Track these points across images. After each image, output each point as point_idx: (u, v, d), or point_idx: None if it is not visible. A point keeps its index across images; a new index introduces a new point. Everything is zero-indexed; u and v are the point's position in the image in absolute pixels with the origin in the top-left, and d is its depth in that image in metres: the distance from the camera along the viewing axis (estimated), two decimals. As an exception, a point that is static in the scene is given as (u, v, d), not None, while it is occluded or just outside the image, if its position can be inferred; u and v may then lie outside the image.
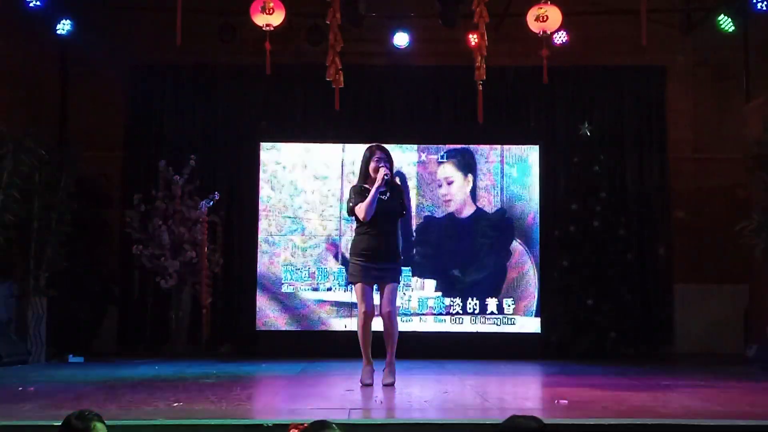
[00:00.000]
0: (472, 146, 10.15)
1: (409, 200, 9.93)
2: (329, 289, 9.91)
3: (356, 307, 6.70)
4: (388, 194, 6.55)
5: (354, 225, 6.74)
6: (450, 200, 10.10)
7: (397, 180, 8.22)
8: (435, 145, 10.19)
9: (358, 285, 6.52)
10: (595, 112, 10.61)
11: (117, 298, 10.33)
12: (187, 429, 4.61)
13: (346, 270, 7.90)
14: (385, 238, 6.52)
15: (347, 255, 9.77)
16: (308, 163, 10.11)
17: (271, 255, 9.98)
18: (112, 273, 10.28)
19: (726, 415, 5.09)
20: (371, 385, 6.50)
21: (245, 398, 5.98)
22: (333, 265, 9.93)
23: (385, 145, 6.77)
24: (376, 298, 6.59)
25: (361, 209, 6.43)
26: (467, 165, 10.13)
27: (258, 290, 9.91)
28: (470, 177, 10.12)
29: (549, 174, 10.34)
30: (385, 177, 6.42)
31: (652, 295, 10.42)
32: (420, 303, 9.93)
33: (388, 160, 6.58)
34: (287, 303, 9.92)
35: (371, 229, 6.51)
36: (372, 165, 6.53)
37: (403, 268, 7.16)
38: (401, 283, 7.07)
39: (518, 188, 10.10)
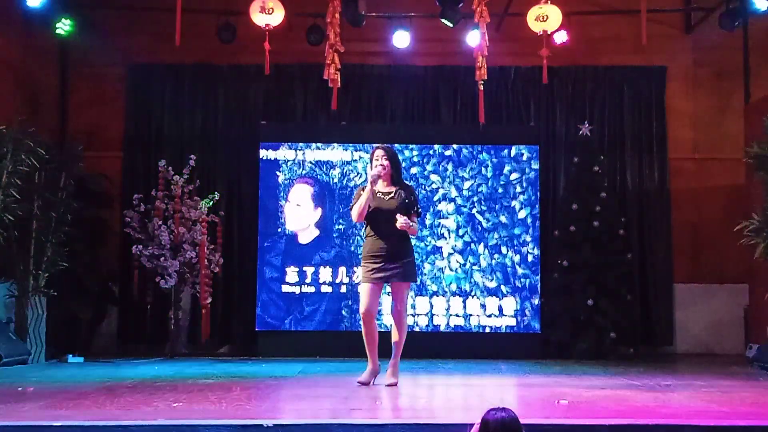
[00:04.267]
0: (471, 146, 10.14)
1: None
2: (329, 290, 9.90)
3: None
4: (392, 194, 6.53)
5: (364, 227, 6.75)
6: (454, 198, 10.08)
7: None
8: (435, 145, 10.19)
9: (362, 285, 6.55)
10: (595, 112, 10.61)
11: (117, 298, 10.33)
12: (187, 429, 4.61)
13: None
14: (389, 240, 6.49)
15: (347, 254, 9.84)
16: (308, 163, 10.10)
17: (271, 255, 9.97)
18: (112, 273, 10.28)
19: (726, 416, 5.09)
20: (367, 384, 6.50)
21: (245, 398, 5.97)
22: (333, 265, 9.92)
23: (385, 145, 6.76)
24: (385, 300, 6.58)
25: (353, 212, 6.55)
26: (468, 168, 10.12)
27: (258, 290, 9.91)
28: (472, 180, 10.11)
29: (549, 174, 10.35)
30: (374, 175, 6.44)
31: (652, 295, 10.42)
32: (420, 303, 9.92)
33: (388, 158, 6.57)
34: (287, 303, 9.91)
35: (374, 231, 6.53)
36: (371, 166, 6.55)
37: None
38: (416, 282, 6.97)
39: (518, 188, 10.09)
